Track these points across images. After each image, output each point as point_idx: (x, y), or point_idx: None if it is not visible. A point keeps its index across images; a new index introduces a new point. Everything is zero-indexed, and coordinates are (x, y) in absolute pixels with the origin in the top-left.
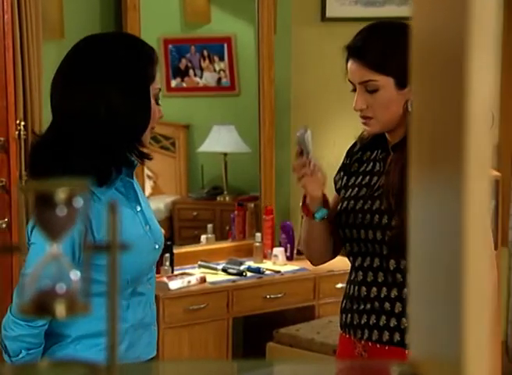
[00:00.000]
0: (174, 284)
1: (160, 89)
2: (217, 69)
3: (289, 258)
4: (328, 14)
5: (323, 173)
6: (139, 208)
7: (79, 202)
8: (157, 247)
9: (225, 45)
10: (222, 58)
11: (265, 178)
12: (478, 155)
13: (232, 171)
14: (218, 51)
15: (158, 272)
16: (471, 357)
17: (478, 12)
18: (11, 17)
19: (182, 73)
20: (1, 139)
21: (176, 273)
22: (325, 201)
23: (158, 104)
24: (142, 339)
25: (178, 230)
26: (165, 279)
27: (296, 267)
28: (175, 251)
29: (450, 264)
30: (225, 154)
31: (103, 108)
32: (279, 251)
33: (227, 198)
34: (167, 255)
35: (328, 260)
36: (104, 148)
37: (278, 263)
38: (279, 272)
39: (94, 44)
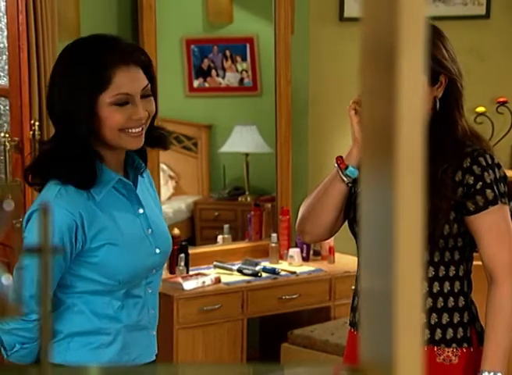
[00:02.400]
0: (188, 285)
1: (125, 93)
2: (239, 69)
3: (305, 259)
4: (347, 14)
5: None
6: (141, 211)
7: (10, 205)
8: (158, 251)
9: (248, 45)
10: (244, 59)
11: (282, 178)
12: (408, 153)
13: (254, 171)
14: (240, 52)
15: (173, 272)
16: (403, 361)
17: (407, 17)
18: (25, 18)
19: (204, 74)
20: (16, 139)
21: (191, 273)
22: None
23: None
24: (138, 342)
25: (199, 230)
26: (179, 279)
27: (312, 268)
28: (192, 251)
29: (385, 261)
30: (247, 154)
31: (71, 111)
32: (294, 251)
33: (248, 199)
34: (182, 255)
35: (325, 238)
36: (81, 148)
37: (294, 264)
38: (294, 273)
39: (68, 49)
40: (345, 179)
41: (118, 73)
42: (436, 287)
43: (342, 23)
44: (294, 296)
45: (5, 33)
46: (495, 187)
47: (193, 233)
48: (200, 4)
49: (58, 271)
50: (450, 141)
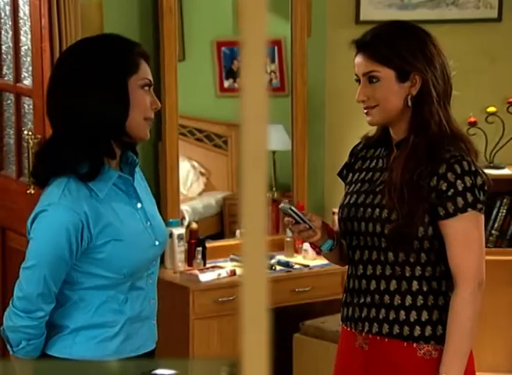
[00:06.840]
0: (205, 277)
1: (150, 80)
2: (268, 70)
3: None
4: (363, 17)
5: (318, 222)
6: (139, 205)
7: None
8: (157, 243)
9: (276, 48)
10: (272, 60)
11: (298, 175)
12: (253, 150)
13: (281, 168)
14: (268, 54)
15: (190, 265)
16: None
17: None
18: (48, 21)
19: (234, 74)
20: (39, 137)
21: (208, 265)
22: (329, 232)
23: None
24: (140, 332)
25: (228, 224)
26: (196, 271)
27: (325, 262)
28: (211, 245)
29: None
30: (274, 152)
31: (79, 107)
32: (309, 245)
33: (276, 195)
34: (199, 248)
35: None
36: (88, 143)
37: (308, 258)
38: (307, 266)
39: (72, 49)
40: (327, 252)
41: (141, 62)
42: (415, 286)
43: (358, 26)
44: (307, 288)
45: (29, 36)
46: (467, 195)
47: (221, 227)
48: (230, 8)
49: (64, 270)
50: (424, 141)
